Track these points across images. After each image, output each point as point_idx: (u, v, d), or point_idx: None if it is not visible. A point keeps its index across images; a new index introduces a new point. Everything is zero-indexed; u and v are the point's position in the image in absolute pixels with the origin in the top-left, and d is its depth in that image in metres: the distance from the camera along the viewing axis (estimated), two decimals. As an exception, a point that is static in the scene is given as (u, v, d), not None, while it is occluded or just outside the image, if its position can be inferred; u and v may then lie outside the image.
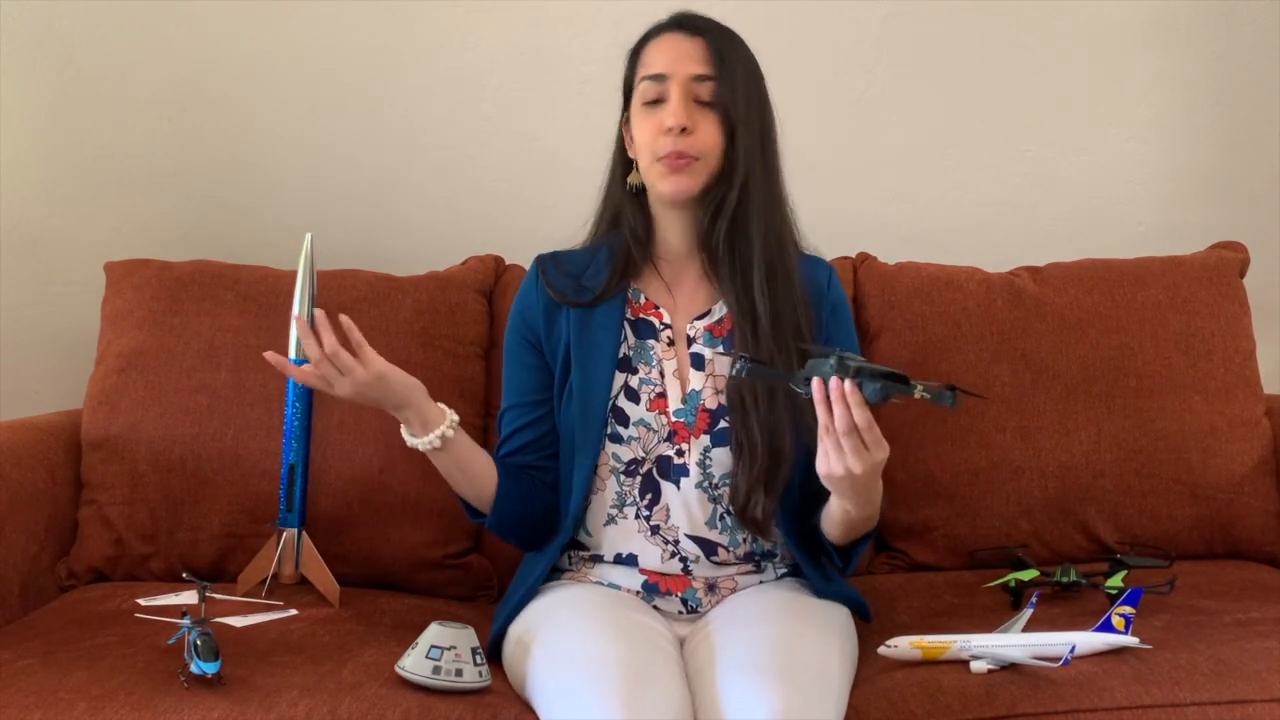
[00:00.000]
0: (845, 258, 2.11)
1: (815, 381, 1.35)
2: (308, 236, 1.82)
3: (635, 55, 1.66)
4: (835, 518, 1.52)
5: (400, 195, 2.31)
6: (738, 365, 1.38)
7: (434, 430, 1.55)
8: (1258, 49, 2.36)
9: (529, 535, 1.67)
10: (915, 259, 2.12)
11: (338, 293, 1.95)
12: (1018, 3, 2.34)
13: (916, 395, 1.32)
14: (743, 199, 1.59)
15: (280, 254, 2.04)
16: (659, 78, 1.59)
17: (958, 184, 2.36)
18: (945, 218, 2.35)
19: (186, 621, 1.44)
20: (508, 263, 2.09)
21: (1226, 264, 2.08)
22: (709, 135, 1.58)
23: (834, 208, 2.30)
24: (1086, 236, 2.30)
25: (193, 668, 1.39)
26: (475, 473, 1.61)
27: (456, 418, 1.58)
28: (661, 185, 1.60)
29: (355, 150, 2.30)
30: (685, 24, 1.63)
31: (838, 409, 1.34)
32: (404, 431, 1.58)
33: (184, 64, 2.27)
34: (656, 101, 1.59)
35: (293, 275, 1.83)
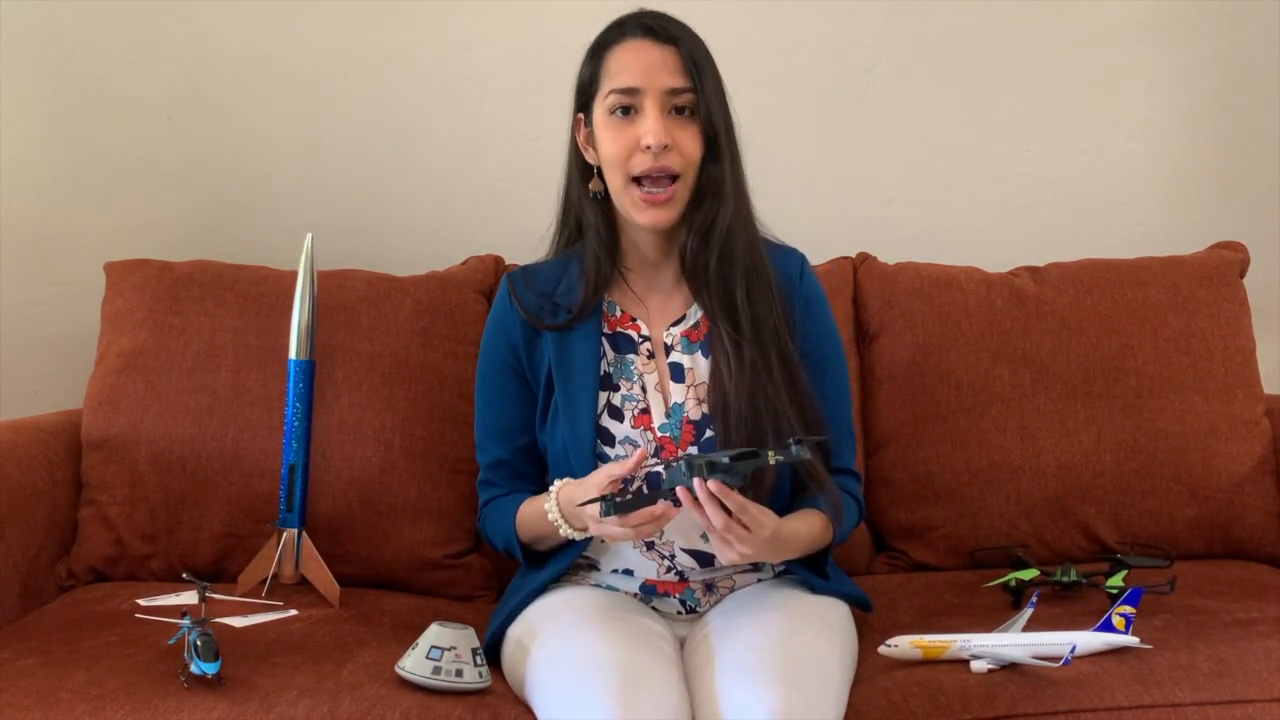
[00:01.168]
0: (845, 258, 2.11)
1: (681, 492, 1.37)
2: (308, 236, 1.82)
3: (597, 57, 1.56)
4: None
5: (400, 195, 2.31)
6: (603, 507, 1.39)
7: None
8: (1258, 49, 2.36)
9: None
10: (915, 259, 2.12)
11: (338, 293, 1.95)
12: (1018, 3, 2.34)
13: (772, 462, 1.36)
14: (731, 214, 1.55)
15: (280, 254, 2.05)
16: (631, 91, 1.52)
17: (958, 184, 2.36)
18: (945, 218, 2.35)
19: (186, 622, 1.44)
20: (508, 263, 2.09)
21: (1226, 264, 2.08)
22: (688, 149, 1.52)
23: (834, 208, 2.31)
24: (1086, 236, 2.30)
25: (193, 668, 1.39)
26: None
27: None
28: (639, 216, 1.53)
29: (355, 150, 2.30)
30: (654, 29, 1.53)
31: (709, 508, 1.37)
32: (565, 530, 1.53)
33: (184, 64, 2.27)
34: (627, 111, 1.52)
35: (293, 275, 1.84)
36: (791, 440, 1.36)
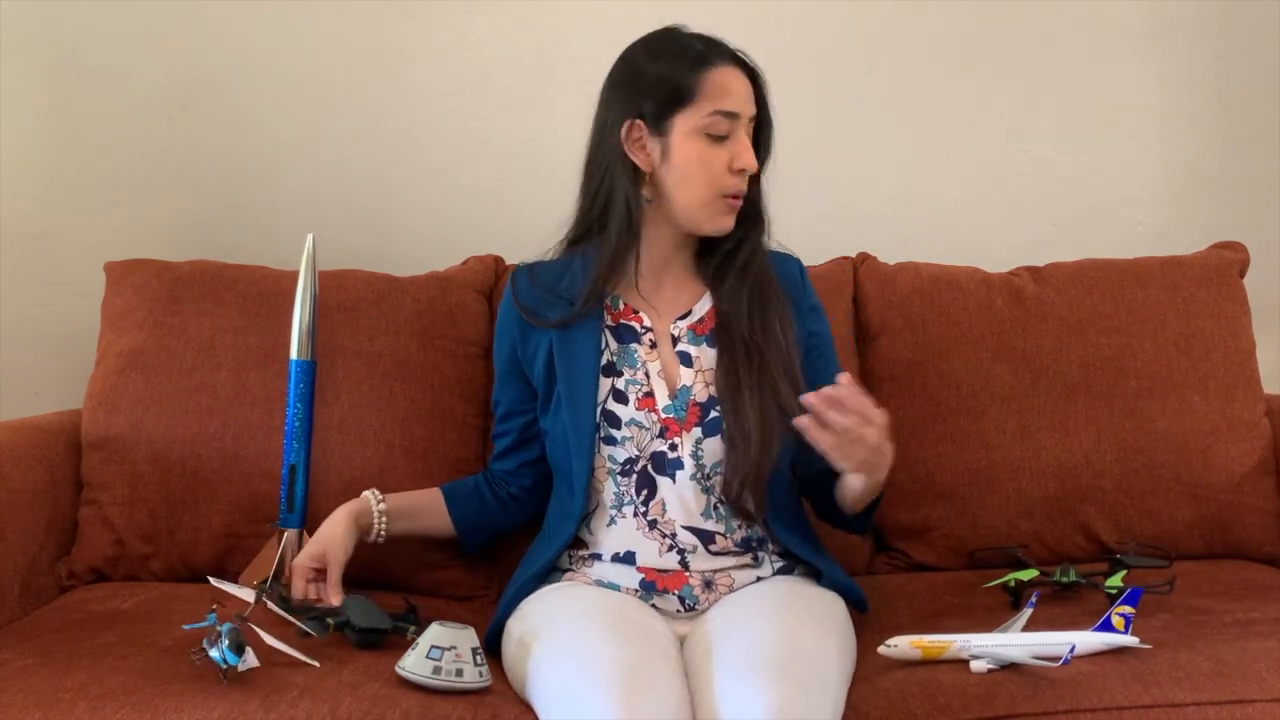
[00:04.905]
0: (845, 258, 2.11)
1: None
2: (309, 237, 1.82)
3: (695, 73, 1.58)
4: (848, 494, 1.62)
5: (401, 195, 2.31)
6: (272, 592, 1.61)
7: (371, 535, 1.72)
8: (1258, 49, 2.36)
9: (499, 539, 1.85)
10: (915, 259, 2.12)
11: (338, 293, 1.96)
12: (1018, 2, 2.34)
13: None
14: (758, 232, 1.69)
15: (280, 254, 2.05)
16: (733, 115, 1.59)
17: (958, 184, 2.36)
18: (945, 218, 2.35)
19: (212, 619, 1.43)
20: (508, 263, 2.09)
21: (1226, 264, 2.08)
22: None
23: (834, 208, 2.31)
24: (1086, 236, 2.30)
25: (213, 652, 1.38)
26: (428, 530, 1.79)
27: (382, 515, 1.73)
28: (715, 223, 1.63)
29: (356, 150, 2.30)
30: (740, 61, 1.63)
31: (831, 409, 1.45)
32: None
33: (184, 64, 2.27)
34: (722, 133, 1.59)
35: (293, 275, 1.84)
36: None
